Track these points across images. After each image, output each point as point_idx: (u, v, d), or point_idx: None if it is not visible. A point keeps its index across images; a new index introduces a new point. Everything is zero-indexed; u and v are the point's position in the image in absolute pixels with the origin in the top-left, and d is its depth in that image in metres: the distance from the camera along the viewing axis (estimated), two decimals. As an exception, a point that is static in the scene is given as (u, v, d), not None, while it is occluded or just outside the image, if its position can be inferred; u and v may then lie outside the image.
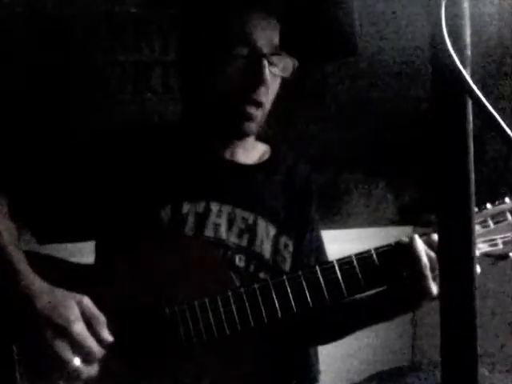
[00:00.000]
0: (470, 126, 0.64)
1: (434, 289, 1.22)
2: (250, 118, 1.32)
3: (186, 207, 1.34)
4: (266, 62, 1.28)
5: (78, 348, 1.16)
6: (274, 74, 1.32)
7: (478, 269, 1.21)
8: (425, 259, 1.22)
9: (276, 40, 1.30)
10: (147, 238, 1.31)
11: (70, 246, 1.46)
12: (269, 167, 1.47)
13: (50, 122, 1.92)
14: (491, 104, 0.60)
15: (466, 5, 0.63)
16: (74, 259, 1.32)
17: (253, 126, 1.34)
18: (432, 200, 0.68)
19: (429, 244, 1.24)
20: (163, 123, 1.51)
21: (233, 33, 1.29)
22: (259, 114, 1.33)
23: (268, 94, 1.32)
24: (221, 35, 1.30)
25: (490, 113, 0.60)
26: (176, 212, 1.33)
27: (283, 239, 1.41)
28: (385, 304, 1.33)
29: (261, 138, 1.49)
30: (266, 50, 1.29)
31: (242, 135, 1.37)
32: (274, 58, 1.30)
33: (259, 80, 1.28)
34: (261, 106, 1.32)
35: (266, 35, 1.29)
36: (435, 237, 1.25)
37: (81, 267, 1.30)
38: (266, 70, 1.28)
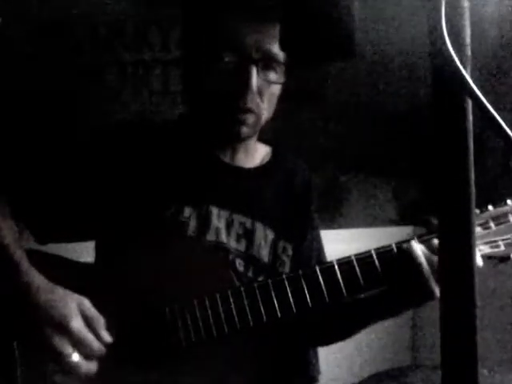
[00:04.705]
0: (470, 125, 0.64)
1: (437, 291, 1.22)
2: (241, 122, 1.30)
3: (187, 211, 1.34)
4: (254, 69, 1.26)
5: (77, 344, 1.18)
6: (266, 79, 1.29)
7: (480, 262, 1.21)
8: (425, 264, 1.22)
9: (271, 47, 1.26)
10: (148, 239, 1.31)
11: (70, 246, 1.46)
12: (268, 170, 1.47)
13: (50, 121, 1.92)
14: (491, 104, 0.60)
15: (466, 5, 0.63)
16: (73, 259, 1.33)
17: (245, 130, 1.32)
18: (432, 201, 0.68)
19: (431, 249, 1.24)
20: (164, 124, 1.51)
21: (224, 39, 1.28)
22: (251, 119, 1.31)
23: (259, 100, 1.29)
24: (213, 41, 1.29)
25: (490, 113, 0.60)
26: (178, 215, 1.33)
27: (282, 243, 1.41)
28: (386, 303, 1.33)
29: (262, 139, 1.49)
30: (256, 57, 1.26)
31: (236, 138, 1.37)
32: (268, 65, 1.28)
33: (245, 87, 1.26)
34: (251, 112, 1.30)
35: (258, 42, 1.26)
36: (436, 241, 1.25)
37: (81, 266, 1.31)
38: (253, 77, 1.26)
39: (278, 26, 0.74)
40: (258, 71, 1.27)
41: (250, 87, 1.26)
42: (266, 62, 1.28)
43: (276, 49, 1.26)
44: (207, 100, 1.34)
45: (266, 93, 1.30)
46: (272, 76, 1.30)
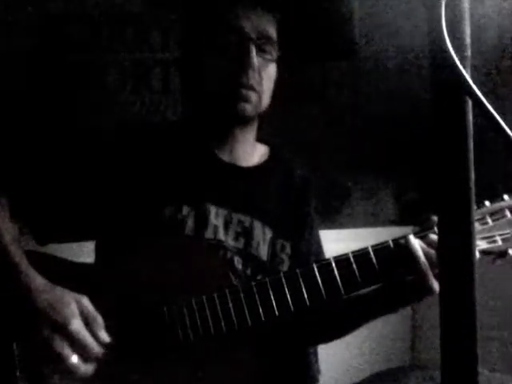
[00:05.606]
0: (470, 125, 0.64)
1: (436, 286, 1.23)
2: (244, 99, 1.34)
3: (185, 209, 1.34)
4: (252, 46, 1.33)
5: (76, 345, 1.17)
6: (264, 58, 1.36)
7: (477, 257, 1.21)
8: (423, 258, 1.23)
9: (268, 30, 1.35)
10: (147, 239, 1.32)
11: (70, 246, 1.46)
12: (267, 169, 1.47)
13: (49, 121, 1.92)
14: (491, 104, 0.60)
15: (466, 5, 0.63)
16: (73, 259, 1.33)
17: (248, 108, 1.35)
18: (432, 200, 0.68)
19: (428, 243, 1.24)
20: (163, 123, 1.52)
21: (223, 23, 1.35)
22: (253, 97, 1.35)
23: (260, 78, 1.34)
24: (213, 26, 1.36)
25: (490, 113, 0.60)
26: (176, 214, 1.33)
27: (280, 241, 1.41)
28: (385, 299, 1.33)
29: (261, 139, 1.49)
30: (254, 37, 1.33)
31: (239, 117, 1.38)
32: (265, 46, 1.35)
33: (247, 63, 1.32)
34: (253, 90, 1.34)
35: (255, 24, 1.34)
36: (433, 236, 1.25)
37: (81, 266, 1.31)
38: (253, 53, 1.32)
39: (273, 14, 0.76)
40: (256, 51, 1.34)
41: (252, 63, 1.32)
42: (263, 44, 1.35)
43: (271, 31, 1.36)
44: (209, 85, 1.37)
45: (264, 73, 1.36)
46: (268, 56, 1.37)
